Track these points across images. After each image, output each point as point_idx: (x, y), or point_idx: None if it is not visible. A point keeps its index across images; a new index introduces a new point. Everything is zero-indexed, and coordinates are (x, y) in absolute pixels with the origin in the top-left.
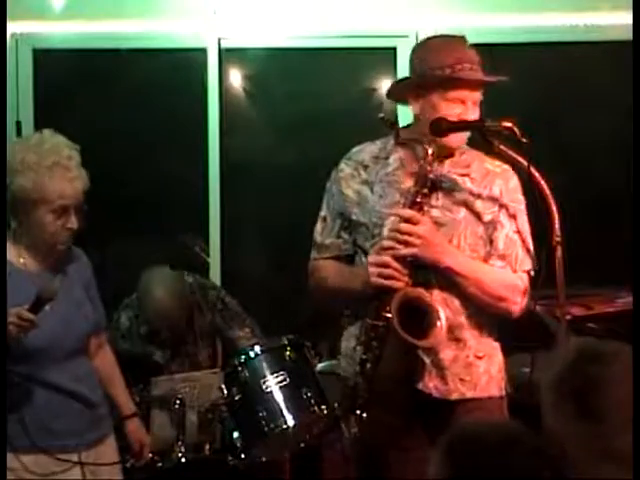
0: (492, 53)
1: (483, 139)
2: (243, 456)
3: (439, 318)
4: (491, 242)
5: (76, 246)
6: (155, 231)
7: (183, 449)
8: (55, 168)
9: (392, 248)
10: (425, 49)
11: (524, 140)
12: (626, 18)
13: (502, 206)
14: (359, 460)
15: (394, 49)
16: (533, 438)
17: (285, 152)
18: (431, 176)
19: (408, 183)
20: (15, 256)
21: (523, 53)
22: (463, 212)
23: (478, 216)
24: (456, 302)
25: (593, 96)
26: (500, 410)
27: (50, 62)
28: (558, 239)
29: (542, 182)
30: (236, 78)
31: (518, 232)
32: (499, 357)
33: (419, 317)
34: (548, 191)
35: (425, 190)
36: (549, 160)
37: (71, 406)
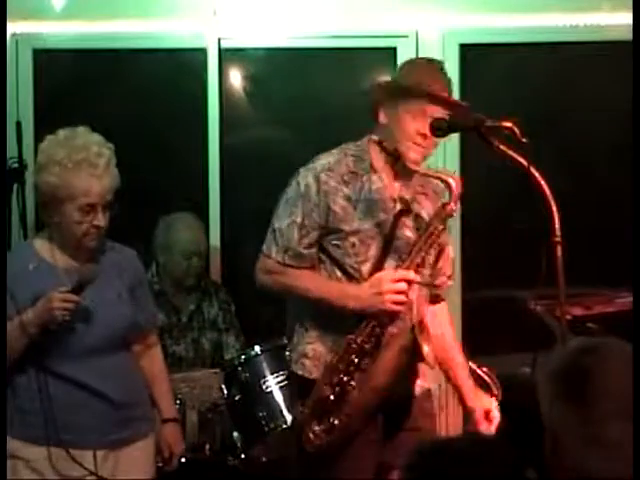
0: (492, 53)
1: (483, 139)
2: (243, 456)
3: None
4: (437, 262)
5: None
6: (154, 232)
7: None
8: (82, 165)
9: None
10: (410, 67)
11: (524, 140)
12: (626, 18)
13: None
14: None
15: (394, 49)
16: (499, 447)
17: (285, 152)
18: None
19: (390, 203)
20: (48, 254)
21: (523, 53)
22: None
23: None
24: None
25: (593, 96)
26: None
27: (50, 62)
28: (558, 239)
29: (542, 182)
30: (236, 78)
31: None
32: None
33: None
34: (548, 191)
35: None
36: (549, 160)
37: (89, 402)
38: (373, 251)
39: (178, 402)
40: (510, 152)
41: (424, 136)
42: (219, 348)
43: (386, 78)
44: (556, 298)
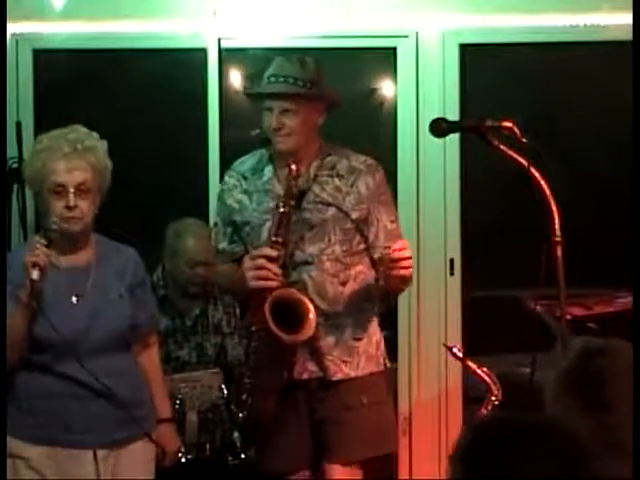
0: (492, 53)
1: (483, 139)
2: (243, 456)
3: (310, 311)
4: (365, 235)
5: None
6: (154, 232)
7: (183, 449)
8: (55, 150)
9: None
10: None
11: (524, 140)
12: (626, 18)
13: (373, 202)
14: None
15: (394, 49)
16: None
17: None
18: (296, 189)
19: (279, 190)
20: None
21: (523, 53)
22: (331, 211)
23: (346, 214)
24: (331, 294)
25: (593, 96)
26: (380, 383)
27: (50, 62)
28: (558, 239)
29: (542, 182)
30: (236, 78)
31: (393, 221)
32: (377, 336)
33: (293, 314)
34: (548, 191)
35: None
36: (549, 160)
37: (89, 402)
38: (265, 236)
39: (178, 402)
40: (510, 152)
41: (277, 130)
42: (222, 352)
43: None
44: (556, 298)
